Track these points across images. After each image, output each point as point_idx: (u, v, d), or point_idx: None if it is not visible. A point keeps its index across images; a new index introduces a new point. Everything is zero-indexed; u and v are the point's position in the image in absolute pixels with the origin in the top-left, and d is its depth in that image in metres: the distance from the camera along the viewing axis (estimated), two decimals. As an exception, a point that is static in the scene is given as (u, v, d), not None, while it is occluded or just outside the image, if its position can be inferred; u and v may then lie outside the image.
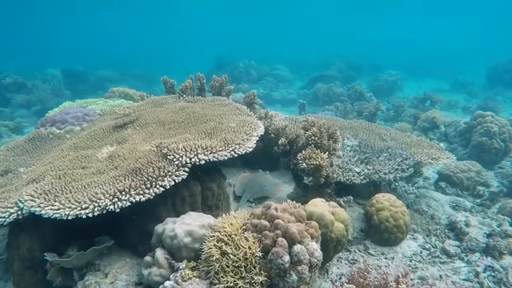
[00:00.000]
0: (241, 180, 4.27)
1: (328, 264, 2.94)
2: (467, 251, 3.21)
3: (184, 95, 4.25)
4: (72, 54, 23.99)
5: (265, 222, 2.26)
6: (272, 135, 3.82)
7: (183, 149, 2.67)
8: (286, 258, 2.05)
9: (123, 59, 21.52)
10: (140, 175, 2.51)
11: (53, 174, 2.77)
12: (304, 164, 3.04)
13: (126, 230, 2.79)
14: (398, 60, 21.33)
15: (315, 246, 2.17)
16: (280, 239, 2.11)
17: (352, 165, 3.96)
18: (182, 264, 2.32)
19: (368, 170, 3.85)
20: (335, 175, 3.30)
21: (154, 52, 29.02)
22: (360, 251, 3.28)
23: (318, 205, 2.70)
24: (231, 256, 2.14)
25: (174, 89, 4.71)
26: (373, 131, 4.71)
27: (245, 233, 2.27)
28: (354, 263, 3.10)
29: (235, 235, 2.27)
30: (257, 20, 45.33)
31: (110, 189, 2.40)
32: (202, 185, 2.88)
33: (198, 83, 4.46)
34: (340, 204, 3.50)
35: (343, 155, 4.11)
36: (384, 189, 4.18)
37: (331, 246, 2.63)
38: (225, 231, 2.29)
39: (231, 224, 2.34)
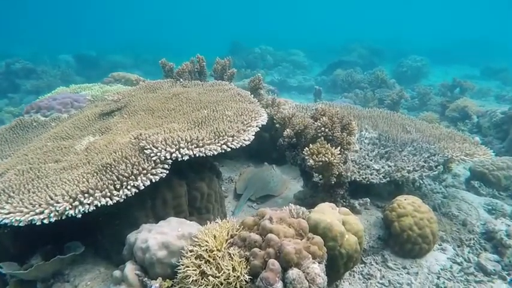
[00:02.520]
0: (244, 175, 3.82)
1: (337, 281, 2.47)
2: (510, 268, 2.66)
3: (181, 79, 3.80)
4: (87, 39, 23.88)
5: (255, 237, 1.80)
6: (278, 125, 3.33)
7: (163, 142, 2.23)
8: (278, 286, 1.59)
9: (138, 44, 21.16)
10: (110, 173, 2.10)
11: (18, 169, 2.40)
12: (311, 161, 2.55)
13: (101, 235, 2.40)
14: (423, 45, 20.12)
15: (317, 270, 1.70)
16: (271, 260, 1.65)
17: (371, 160, 3.44)
18: (156, 284, 1.90)
19: (389, 166, 3.31)
20: (349, 173, 2.79)
21: (170, 37, 28.59)
22: (377, 263, 2.79)
23: (326, 212, 2.22)
24: (211, 278, 1.70)
25: (173, 72, 4.26)
26: (395, 121, 4.13)
27: (231, 248, 1.83)
28: (370, 279, 2.62)
29: (219, 251, 1.84)
30: (274, 2, 43.98)
31: (72, 190, 1.99)
32: (190, 184, 2.45)
33: (198, 65, 3.99)
34: (354, 208, 3.01)
35: (360, 148, 3.58)
36: (406, 188, 3.64)
37: (340, 263, 2.16)
38: (206, 245, 1.85)
39: (215, 237, 1.90)
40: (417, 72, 13.03)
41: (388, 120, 4.11)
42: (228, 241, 1.89)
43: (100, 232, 2.38)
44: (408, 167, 3.26)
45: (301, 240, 1.87)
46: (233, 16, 41.63)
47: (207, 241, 1.86)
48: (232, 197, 3.57)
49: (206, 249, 1.84)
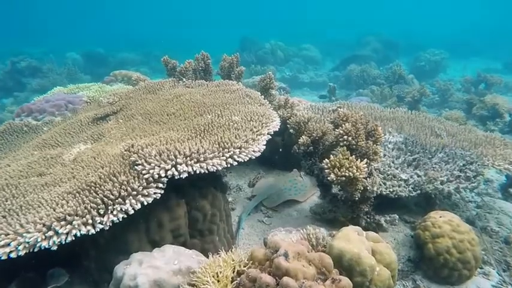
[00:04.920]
0: (263, 179, 3.48)
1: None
2: None
3: (184, 79, 3.45)
4: (97, 37, 23.72)
5: (266, 279, 1.44)
6: (292, 130, 2.96)
7: (157, 156, 1.88)
8: None
9: (147, 41, 20.91)
10: (94, 194, 1.76)
11: (-7, 186, 2.09)
12: (332, 176, 2.17)
13: (88, 261, 2.07)
14: (440, 38, 19.26)
15: (347, 327, 1.33)
16: (288, 316, 1.29)
17: (397, 169, 3.03)
18: (146, 331, 1.57)
19: (418, 176, 2.91)
20: (375, 188, 2.40)
21: (180, 33, 28.30)
22: (407, 290, 2.41)
23: (352, 239, 1.85)
24: (212, 334, 1.35)
25: (176, 71, 3.91)
26: (422, 123, 3.71)
27: (237, 291, 1.48)
28: (401, 311, 2.24)
29: (222, 294, 1.48)
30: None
31: (47, 215, 1.66)
32: (190, 203, 2.10)
33: (202, 63, 3.63)
34: (380, 226, 2.63)
35: (384, 155, 3.18)
36: (438, 200, 3.22)
37: (370, 302, 1.79)
38: (206, 287, 1.50)
39: (217, 275, 1.55)
40: (436, 67, 12.40)
41: (415, 122, 3.69)
42: (234, 281, 1.53)
43: (87, 258, 2.05)
44: (441, 177, 2.85)
45: (324, 282, 1.51)
46: (244, 11, 41.08)
47: (207, 282, 1.51)
48: (241, 209, 3.22)
49: (206, 293, 1.49)
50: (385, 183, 2.74)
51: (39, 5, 40.69)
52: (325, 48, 17.19)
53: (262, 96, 3.10)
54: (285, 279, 1.40)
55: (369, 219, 2.62)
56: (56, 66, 9.90)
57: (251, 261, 1.61)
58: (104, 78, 5.12)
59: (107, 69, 13.07)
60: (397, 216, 2.65)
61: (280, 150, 3.64)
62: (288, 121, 2.95)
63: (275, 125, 2.45)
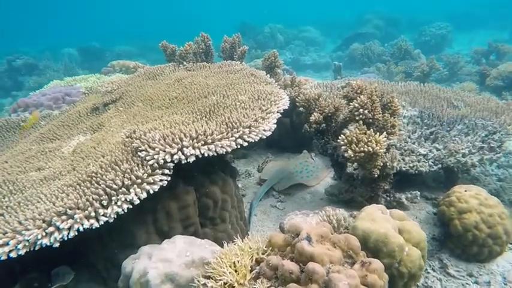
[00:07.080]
0: (271, 163, 3.35)
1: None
2: None
3: (185, 62, 3.28)
4: (93, 32, 23.37)
5: (289, 266, 1.31)
6: (301, 108, 2.79)
7: (161, 141, 1.74)
8: None
9: (143, 32, 20.57)
10: (95, 185, 1.63)
11: (-11, 183, 1.96)
12: (350, 152, 2.02)
13: (94, 257, 1.96)
14: (442, 12, 18.72)
15: (383, 315, 1.19)
16: (318, 306, 1.16)
17: (413, 143, 2.87)
18: (161, 328, 1.45)
19: (437, 150, 2.74)
20: (395, 164, 2.24)
21: (176, 22, 27.82)
22: (434, 270, 2.27)
23: (376, 219, 1.71)
24: (233, 329, 1.23)
25: (176, 55, 3.74)
26: (437, 95, 3.52)
27: (258, 281, 1.35)
28: (429, 293, 2.11)
29: (241, 285, 1.35)
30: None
31: (46, 210, 1.53)
32: (199, 189, 1.96)
33: (203, 45, 3.45)
34: (402, 204, 2.48)
35: (399, 130, 3.01)
36: (460, 174, 3.06)
37: (399, 285, 1.65)
38: (224, 278, 1.37)
39: (235, 265, 1.41)
40: (441, 41, 12.03)
41: (429, 94, 3.50)
42: (253, 271, 1.40)
43: (93, 254, 1.94)
44: (463, 149, 2.68)
45: (352, 265, 1.37)
46: (240, -3, 40.17)
47: (224, 272, 1.38)
48: (252, 196, 3.08)
49: (224, 284, 1.36)
50: (403, 159, 2.58)
51: (31, 3, 40.14)
52: (325, 29, 16.80)
53: (268, 76, 2.93)
54: (311, 265, 1.26)
55: (388, 198, 2.47)
56: (53, 62, 9.74)
57: (270, 248, 1.48)
58: (102, 69, 4.96)
59: (103, 63, 12.78)
60: (419, 193, 2.50)
61: (289, 131, 3.48)
62: (296, 99, 2.78)
63: (284, 102, 2.28)
